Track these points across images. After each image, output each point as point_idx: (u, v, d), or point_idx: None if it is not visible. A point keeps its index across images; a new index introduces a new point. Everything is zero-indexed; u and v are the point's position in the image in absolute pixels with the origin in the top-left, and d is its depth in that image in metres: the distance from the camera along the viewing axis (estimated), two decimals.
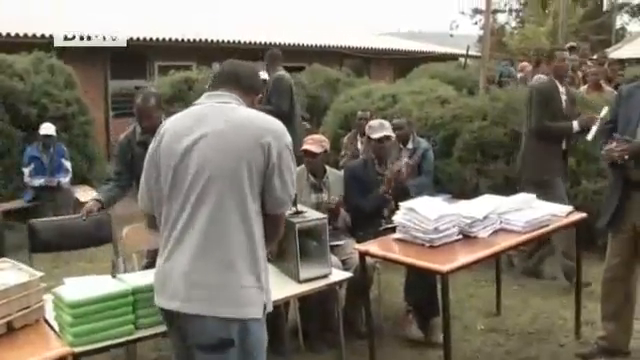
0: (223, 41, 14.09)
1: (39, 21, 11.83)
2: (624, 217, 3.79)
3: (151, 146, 2.44)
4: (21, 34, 11.11)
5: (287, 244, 3.42)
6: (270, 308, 2.36)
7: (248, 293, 2.24)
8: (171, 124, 2.41)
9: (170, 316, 2.35)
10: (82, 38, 11.42)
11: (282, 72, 7.04)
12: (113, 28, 12.13)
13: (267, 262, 2.39)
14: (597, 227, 4.05)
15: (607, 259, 3.98)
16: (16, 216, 6.66)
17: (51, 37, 10.83)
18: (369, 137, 4.89)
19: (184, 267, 2.25)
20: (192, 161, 2.28)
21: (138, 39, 12.59)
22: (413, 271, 4.17)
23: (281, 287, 3.29)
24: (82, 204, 7.36)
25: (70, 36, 11.24)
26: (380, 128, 4.82)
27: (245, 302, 2.23)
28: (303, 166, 4.55)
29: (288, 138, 2.36)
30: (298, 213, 3.53)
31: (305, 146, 4.58)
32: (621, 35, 29.57)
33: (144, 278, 2.85)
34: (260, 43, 13.92)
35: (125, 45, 11.95)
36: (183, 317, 2.27)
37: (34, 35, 11.09)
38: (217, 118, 2.32)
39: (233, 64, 2.55)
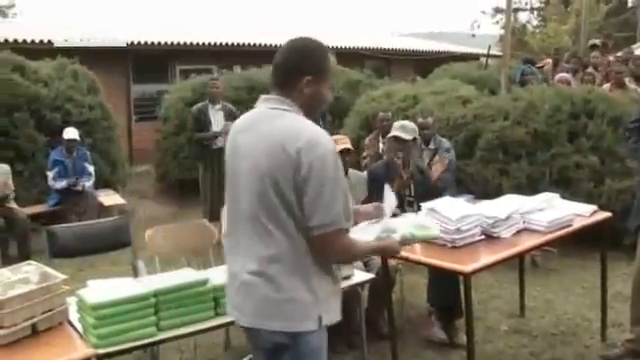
0: (243, 44, 14.17)
1: (59, 26, 12.01)
2: None
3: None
4: (45, 40, 11.29)
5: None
6: (329, 320, 2.23)
7: (298, 307, 2.16)
8: (232, 128, 2.36)
9: None
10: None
11: None
12: (136, 31, 12.28)
13: (329, 274, 2.24)
14: (627, 226, 3.96)
15: (637, 260, 3.91)
16: (41, 220, 6.74)
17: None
18: (394, 137, 4.82)
19: (234, 278, 2.25)
20: (231, 171, 2.27)
21: (160, 43, 12.72)
22: (436, 272, 4.14)
23: None
24: (105, 208, 7.49)
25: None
26: (398, 129, 4.78)
27: (294, 316, 2.16)
28: None
29: (323, 148, 2.09)
30: None
31: None
32: None
33: (167, 280, 2.87)
34: (281, 46, 13.95)
35: (124, 45, 12.13)
36: None
37: (48, 41, 11.26)
38: (255, 127, 2.22)
39: (275, 57, 2.27)
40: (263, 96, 2.28)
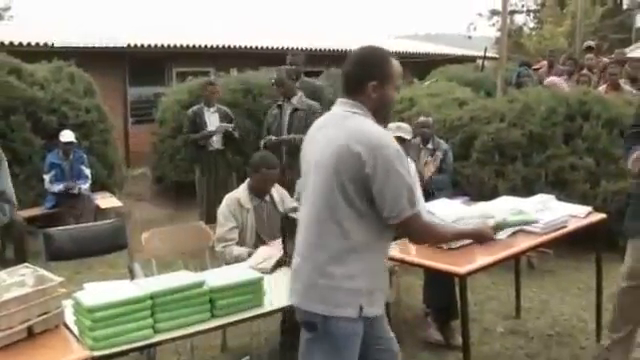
0: (240, 47, 14.17)
1: (57, 29, 11.99)
2: None
3: None
4: (41, 43, 11.29)
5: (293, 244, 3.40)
6: (373, 312, 2.46)
7: (337, 294, 2.39)
8: (313, 125, 2.66)
9: None
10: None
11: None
12: (133, 34, 12.28)
13: (379, 264, 2.52)
14: (623, 231, 3.87)
15: (630, 266, 3.79)
16: (38, 223, 6.73)
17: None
18: (397, 137, 4.84)
19: (294, 264, 2.55)
20: (305, 161, 2.59)
21: (157, 45, 12.71)
22: (431, 273, 4.15)
23: None
24: (102, 211, 7.49)
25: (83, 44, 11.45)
26: (397, 130, 4.80)
27: (331, 301, 2.39)
28: None
29: (386, 150, 2.34)
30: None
31: None
32: None
33: (163, 282, 2.87)
34: (278, 48, 13.98)
35: (125, 46, 12.13)
36: None
37: (44, 44, 11.27)
38: (328, 125, 2.51)
39: (343, 66, 2.55)
40: (339, 99, 2.54)
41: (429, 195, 4.37)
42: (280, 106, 6.29)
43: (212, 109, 7.17)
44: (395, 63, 2.50)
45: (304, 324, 2.50)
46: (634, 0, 26.70)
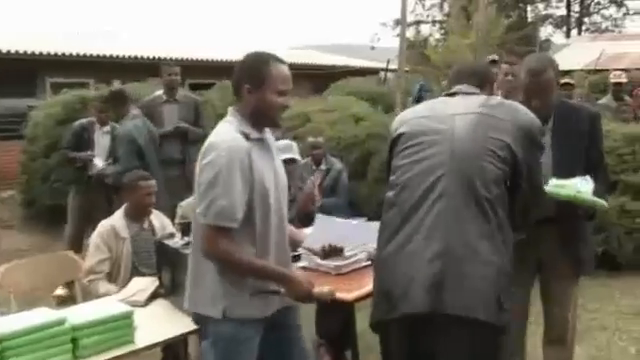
0: (124, 57, 13.91)
1: None
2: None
3: None
4: None
5: (180, 277, 3.39)
6: (235, 314, 2.63)
7: (205, 295, 2.66)
8: None
9: None
10: None
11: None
12: None
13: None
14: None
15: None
16: None
17: None
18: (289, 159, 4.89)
19: None
20: None
21: (26, 52, 12.27)
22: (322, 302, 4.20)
23: (173, 324, 3.25)
24: None
25: None
26: (285, 149, 4.87)
27: (200, 302, 2.70)
28: None
29: (211, 155, 2.57)
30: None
31: None
32: (546, 47, 30.98)
33: (15, 322, 2.77)
34: (164, 58, 13.81)
35: None
36: None
37: None
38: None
39: None
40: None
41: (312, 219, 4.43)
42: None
43: (105, 129, 6.61)
44: (277, 66, 2.62)
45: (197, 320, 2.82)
46: (538, 13, 28.28)
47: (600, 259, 5.74)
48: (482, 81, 2.95)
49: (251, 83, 2.61)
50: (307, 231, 3.70)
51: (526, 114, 2.75)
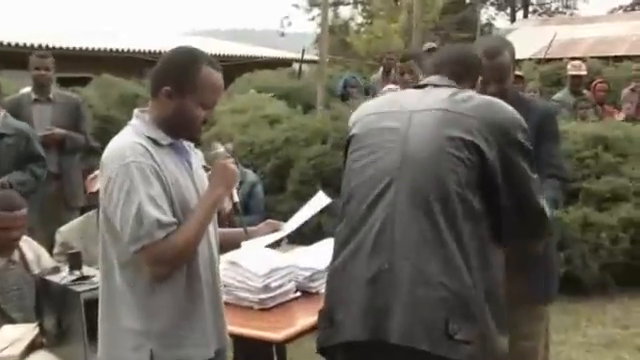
0: None
1: None
2: None
3: None
4: None
5: (69, 321, 3.34)
6: (168, 357, 2.59)
7: (124, 337, 2.61)
8: None
9: None
10: None
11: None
12: None
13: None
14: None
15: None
16: None
17: None
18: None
19: None
20: None
21: None
22: (243, 342, 4.21)
23: None
24: None
25: None
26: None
27: (119, 346, 2.63)
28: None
29: (111, 167, 2.53)
30: (84, 278, 3.45)
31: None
32: (488, 31, 31.91)
33: None
34: (31, 46, 13.56)
35: None
36: None
37: None
38: None
39: None
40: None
41: None
42: None
43: None
44: (209, 72, 2.58)
45: None
46: None
47: (562, 281, 5.92)
48: (466, 72, 2.94)
49: (173, 86, 2.57)
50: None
51: (502, 110, 2.70)
